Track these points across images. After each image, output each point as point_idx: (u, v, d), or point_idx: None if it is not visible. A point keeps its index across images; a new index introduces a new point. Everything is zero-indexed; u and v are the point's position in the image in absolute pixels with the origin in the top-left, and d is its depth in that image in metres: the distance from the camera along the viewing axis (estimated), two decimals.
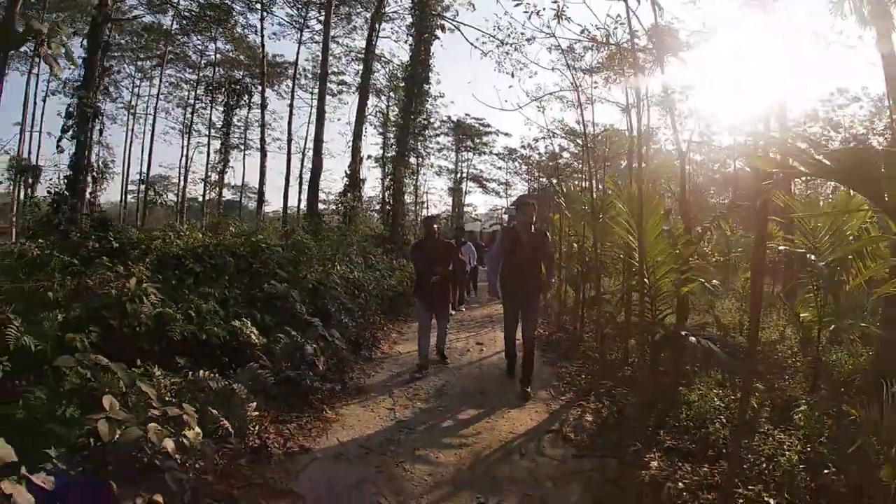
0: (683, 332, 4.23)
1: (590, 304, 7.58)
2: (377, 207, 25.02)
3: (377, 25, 17.78)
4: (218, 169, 24.15)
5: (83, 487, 2.60)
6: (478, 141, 35.08)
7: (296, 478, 3.35)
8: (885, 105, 29.23)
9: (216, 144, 26.06)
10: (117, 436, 2.83)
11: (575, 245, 8.71)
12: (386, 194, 18.91)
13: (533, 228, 5.60)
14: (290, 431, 4.00)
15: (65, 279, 5.19)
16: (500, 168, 37.17)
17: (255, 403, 3.89)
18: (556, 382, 5.69)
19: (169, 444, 2.88)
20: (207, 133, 28.37)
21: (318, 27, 23.43)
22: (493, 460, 3.76)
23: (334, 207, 16.79)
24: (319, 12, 22.48)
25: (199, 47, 26.81)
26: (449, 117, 33.43)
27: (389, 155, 22.54)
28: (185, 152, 29.15)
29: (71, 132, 7.83)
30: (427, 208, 37.46)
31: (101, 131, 9.43)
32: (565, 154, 19.49)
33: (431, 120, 27.75)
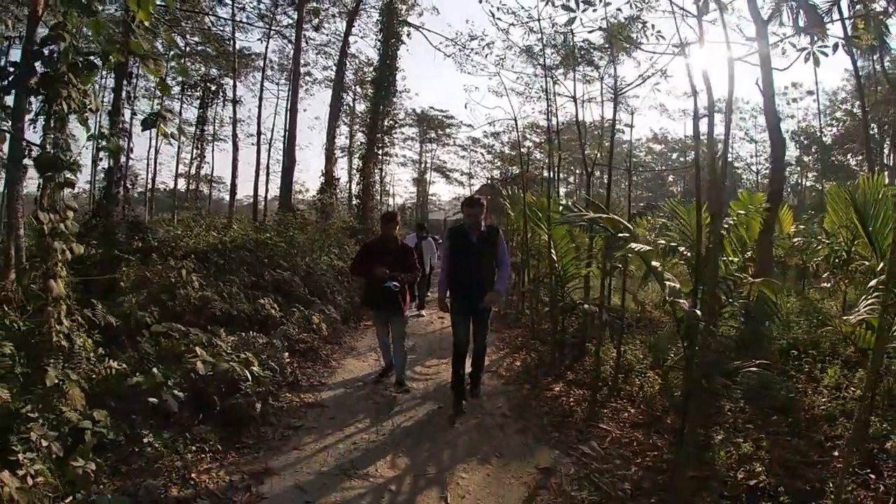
0: (580, 303, 6.16)
1: (528, 286, 9.49)
2: (345, 196, 26.58)
3: (351, 28, 18.97)
4: (195, 164, 25.18)
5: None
6: (441, 133, 36.75)
7: (320, 397, 5.15)
8: (837, 99, 32.29)
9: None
10: (212, 370, 4.55)
11: (516, 238, 10.53)
12: (356, 188, 20.52)
13: (483, 227, 5.01)
14: (311, 375, 5.79)
15: (129, 271, 6.79)
16: (463, 157, 39.05)
17: (287, 354, 5.66)
18: (497, 343, 7.61)
19: (246, 372, 4.63)
20: (178, 128, 29.14)
21: (286, 20, 24.13)
22: (447, 386, 5.63)
23: (312, 201, 18.26)
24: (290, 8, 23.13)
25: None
26: (413, 110, 34.94)
27: (357, 146, 23.99)
28: (153, 144, 29.88)
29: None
30: (392, 198, 39.06)
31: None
32: (528, 143, 21.28)
33: (396, 111, 29.37)
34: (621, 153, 29.80)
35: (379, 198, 40.01)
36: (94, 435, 3.18)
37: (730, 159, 16.30)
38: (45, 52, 3.72)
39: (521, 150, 9.86)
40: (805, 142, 35.16)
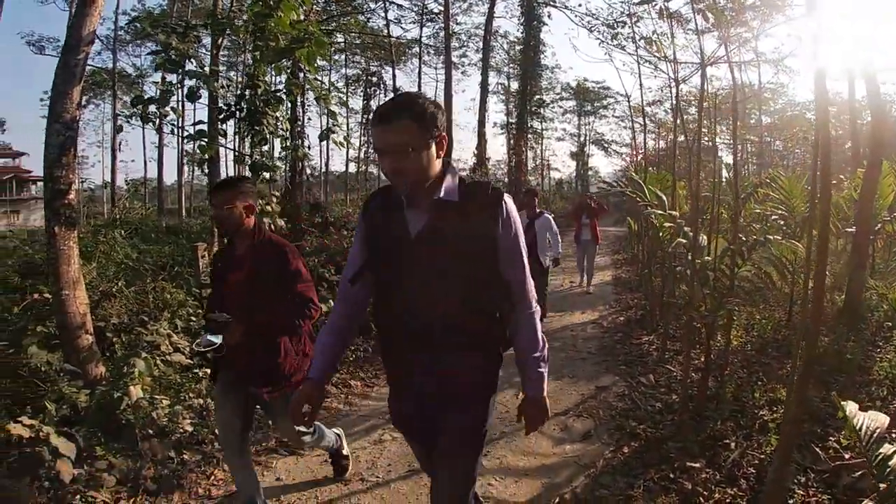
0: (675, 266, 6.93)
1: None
2: (504, 171, 28.16)
3: (493, 11, 20.19)
4: (363, 150, 29.03)
5: None
6: (598, 105, 36.31)
7: None
8: None
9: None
10: None
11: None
12: (510, 164, 21.97)
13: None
14: None
15: (311, 240, 9.12)
16: (626, 128, 38.06)
17: None
18: (612, 302, 8.60)
19: None
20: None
21: (438, 7, 25.39)
22: (557, 331, 6.88)
23: None
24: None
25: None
26: (568, 83, 35.02)
27: (512, 122, 25.28)
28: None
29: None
30: (549, 171, 39.69)
31: None
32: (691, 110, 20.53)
33: (551, 87, 29.93)
34: (785, 118, 26.87)
35: (542, 172, 41.04)
36: None
37: None
38: (247, 94, 5.55)
39: (679, 118, 10.34)
40: None
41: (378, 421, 4.21)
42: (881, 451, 1.95)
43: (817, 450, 3.19)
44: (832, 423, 3.55)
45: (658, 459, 3.42)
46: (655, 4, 4.98)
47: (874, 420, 2.06)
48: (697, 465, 3.26)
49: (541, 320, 1.88)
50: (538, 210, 6.74)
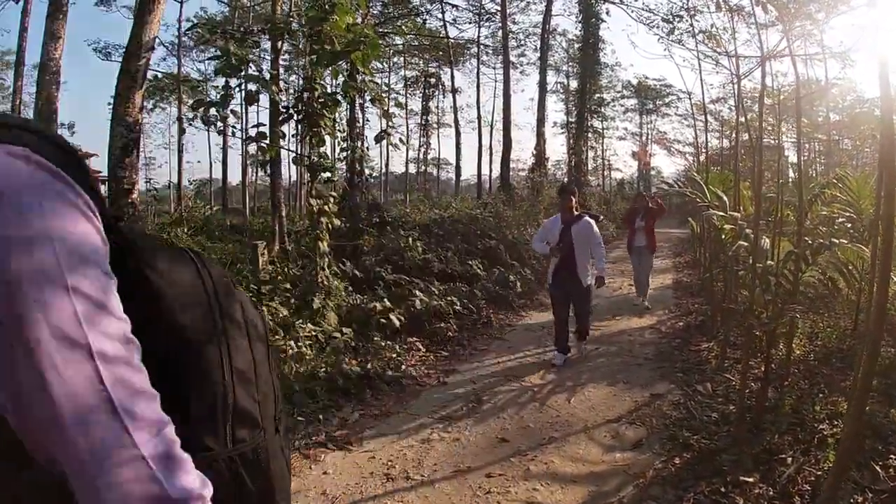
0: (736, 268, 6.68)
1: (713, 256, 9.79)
2: (564, 171, 27.80)
3: (550, 6, 19.97)
4: (422, 150, 29.45)
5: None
6: (659, 103, 35.17)
7: (505, 334, 6.83)
8: None
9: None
10: (425, 306, 6.55)
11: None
12: (570, 163, 21.70)
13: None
14: (502, 318, 7.52)
15: (369, 239, 9.36)
16: (689, 126, 36.68)
17: (484, 301, 7.49)
18: (672, 307, 8.37)
19: (449, 309, 6.54)
20: (405, 117, 33.94)
21: (495, 7, 25.22)
22: (614, 335, 6.79)
23: (524, 181, 20.15)
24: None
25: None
26: (629, 81, 34.12)
27: (572, 121, 24.99)
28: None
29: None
30: (610, 171, 38.77)
31: None
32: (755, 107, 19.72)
33: (612, 85, 29.25)
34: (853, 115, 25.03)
35: (602, 171, 40.18)
36: (343, 341, 5.37)
37: None
38: (304, 96, 5.76)
39: (742, 115, 10.00)
40: None
41: (427, 420, 4.31)
42: None
43: (877, 468, 3.03)
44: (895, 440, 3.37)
45: (710, 472, 3.35)
46: None
47: None
48: (751, 479, 3.17)
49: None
50: (577, 212, 5.65)
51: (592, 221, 5.67)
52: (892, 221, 2.31)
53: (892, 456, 3.19)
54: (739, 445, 3.60)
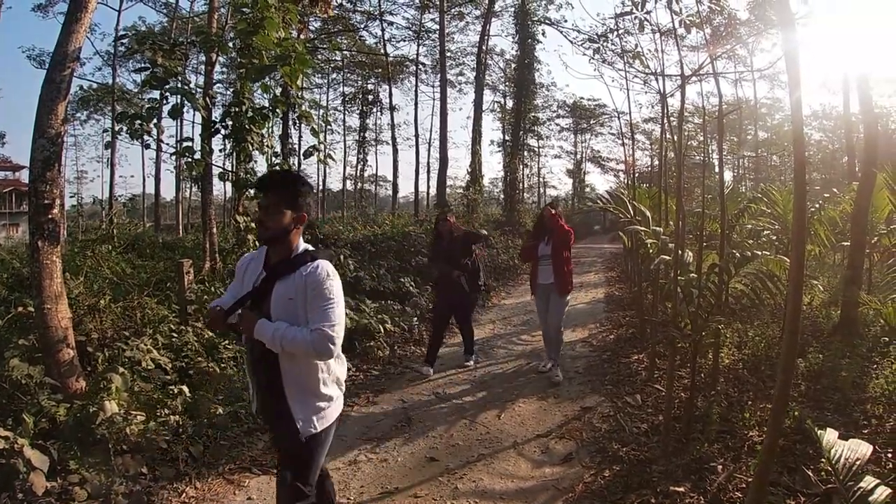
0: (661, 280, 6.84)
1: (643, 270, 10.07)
2: (500, 189, 28.22)
3: (488, 26, 20.44)
4: (359, 167, 29.13)
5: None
6: (593, 122, 36.54)
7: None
8: None
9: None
10: (355, 325, 6.30)
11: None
12: (505, 181, 22.01)
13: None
14: None
15: None
16: (622, 145, 38.24)
17: (416, 319, 7.29)
18: (603, 320, 8.48)
19: (380, 327, 6.32)
20: (343, 133, 33.74)
21: (434, 26, 25.79)
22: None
23: (460, 198, 20.26)
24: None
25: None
26: (564, 101, 35.34)
27: (508, 140, 25.51)
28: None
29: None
30: (546, 190, 39.81)
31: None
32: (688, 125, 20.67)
33: (546, 105, 30.14)
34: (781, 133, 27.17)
35: (538, 189, 41.17)
36: None
37: None
38: (232, 110, 5.51)
39: (670, 133, 10.36)
40: None
41: (355, 441, 4.10)
42: (861, 485, 1.81)
43: (808, 472, 3.06)
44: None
45: (640, 483, 3.29)
46: (635, 18, 4.91)
47: (854, 450, 1.92)
48: (681, 489, 3.13)
49: None
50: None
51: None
52: (802, 231, 2.33)
53: (822, 460, 3.22)
54: (669, 456, 3.57)
